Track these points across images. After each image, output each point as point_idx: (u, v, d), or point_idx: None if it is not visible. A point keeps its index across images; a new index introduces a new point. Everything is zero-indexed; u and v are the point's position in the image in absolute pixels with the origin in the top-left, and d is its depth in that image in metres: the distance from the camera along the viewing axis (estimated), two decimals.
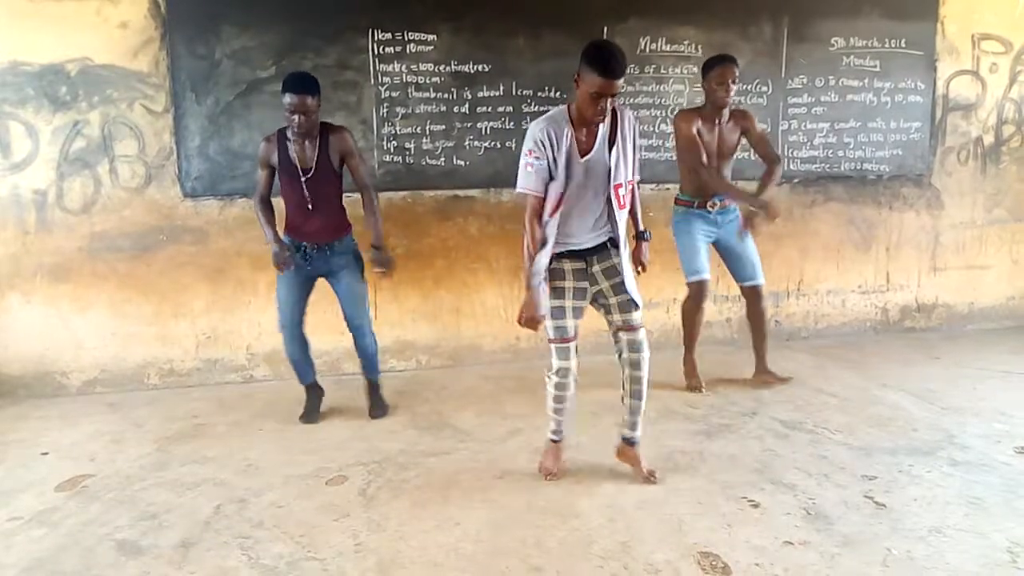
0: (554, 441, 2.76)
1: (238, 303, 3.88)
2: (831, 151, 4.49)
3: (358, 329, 3.35)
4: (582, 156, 2.39)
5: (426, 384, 3.88)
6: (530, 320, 2.43)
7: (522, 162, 2.41)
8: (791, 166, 4.45)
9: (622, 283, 2.52)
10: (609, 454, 2.75)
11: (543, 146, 2.36)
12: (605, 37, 4.06)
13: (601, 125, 2.39)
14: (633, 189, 2.58)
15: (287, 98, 2.96)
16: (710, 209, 3.50)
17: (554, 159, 2.37)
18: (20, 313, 3.77)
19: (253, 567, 2.16)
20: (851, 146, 4.52)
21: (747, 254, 3.57)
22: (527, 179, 2.39)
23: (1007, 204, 4.79)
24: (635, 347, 2.54)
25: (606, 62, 2.22)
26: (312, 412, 3.41)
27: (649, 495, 2.54)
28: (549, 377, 2.61)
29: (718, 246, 3.62)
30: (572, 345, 2.56)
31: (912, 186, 4.66)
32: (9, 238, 3.71)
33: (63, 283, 3.78)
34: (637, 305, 2.53)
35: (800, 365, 4.03)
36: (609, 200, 2.45)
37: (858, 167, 4.55)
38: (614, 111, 2.43)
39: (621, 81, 2.26)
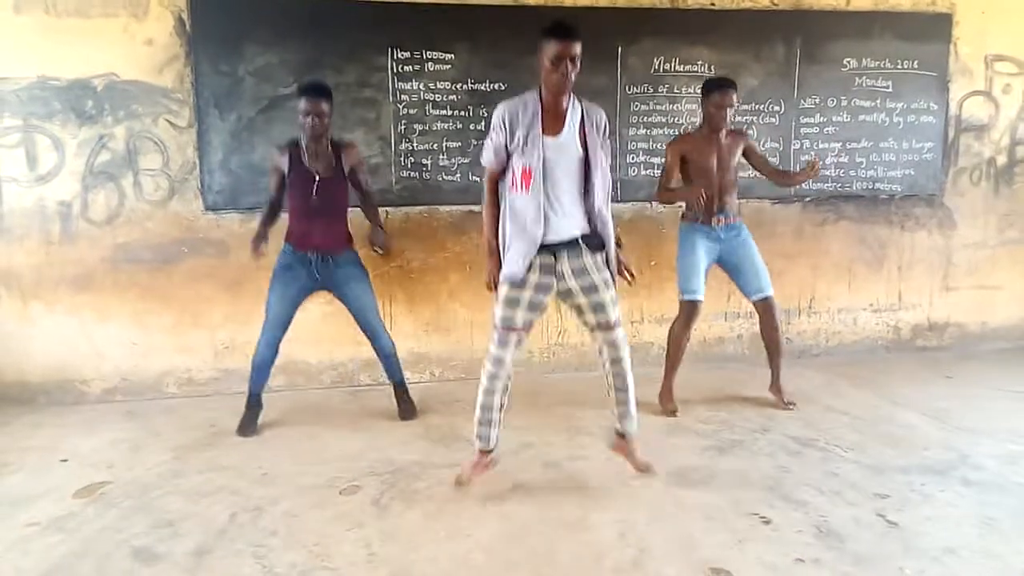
0: (481, 451, 2.67)
1: (256, 315, 3.89)
2: (843, 171, 4.51)
3: (374, 332, 3.48)
4: (550, 136, 2.48)
5: (439, 396, 3.90)
6: (491, 285, 2.62)
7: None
8: (803, 185, 4.46)
9: (593, 285, 2.53)
10: (619, 468, 2.77)
11: (502, 121, 2.50)
12: (619, 57, 4.13)
13: (570, 113, 2.50)
14: (607, 194, 2.59)
15: (303, 102, 3.19)
16: (715, 225, 3.51)
17: (512, 135, 2.48)
18: (42, 322, 3.83)
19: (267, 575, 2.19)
20: (863, 166, 4.53)
21: (753, 267, 3.54)
22: (483, 153, 2.60)
23: (1020, 225, 4.78)
24: (614, 346, 2.58)
25: (558, 26, 2.39)
26: (249, 425, 3.40)
27: (660, 510, 2.54)
28: (484, 366, 2.59)
29: (723, 263, 3.59)
30: (514, 337, 2.54)
31: (924, 206, 4.66)
32: (33, 248, 3.79)
33: (85, 293, 3.85)
34: (612, 304, 2.56)
35: (811, 383, 4.03)
36: (584, 191, 2.52)
37: (870, 187, 4.57)
38: (583, 106, 2.53)
39: (578, 45, 2.38)
